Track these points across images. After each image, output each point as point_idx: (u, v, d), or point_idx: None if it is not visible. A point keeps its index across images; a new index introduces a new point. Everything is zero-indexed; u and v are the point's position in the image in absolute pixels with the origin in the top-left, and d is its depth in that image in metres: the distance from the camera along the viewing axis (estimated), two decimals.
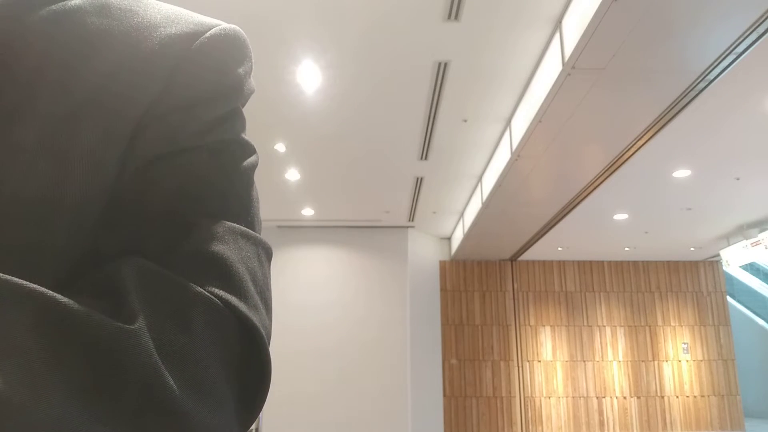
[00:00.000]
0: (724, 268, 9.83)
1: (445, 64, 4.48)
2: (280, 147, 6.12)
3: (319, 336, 8.74)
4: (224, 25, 0.45)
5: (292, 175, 6.94)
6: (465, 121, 5.50)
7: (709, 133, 5.08)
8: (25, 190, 0.37)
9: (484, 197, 6.77)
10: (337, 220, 8.87)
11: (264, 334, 0.38)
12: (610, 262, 10.22)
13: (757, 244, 7.87)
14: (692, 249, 9.47)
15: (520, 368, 9.69)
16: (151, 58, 0.41)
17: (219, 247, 0.39)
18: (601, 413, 9.62)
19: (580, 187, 6.20)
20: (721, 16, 3.24)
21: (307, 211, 8.46)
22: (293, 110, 5.25)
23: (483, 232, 8.07)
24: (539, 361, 9.77)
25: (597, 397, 9.67)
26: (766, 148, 5.40)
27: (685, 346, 9.95)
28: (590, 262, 10.20)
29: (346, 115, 5.37)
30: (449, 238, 9.99)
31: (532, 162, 5.44)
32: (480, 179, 7.04)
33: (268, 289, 0.42)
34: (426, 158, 6.40)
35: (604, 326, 9.98)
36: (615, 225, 8.02)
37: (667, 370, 9.85)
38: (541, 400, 9.61)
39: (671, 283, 10.19)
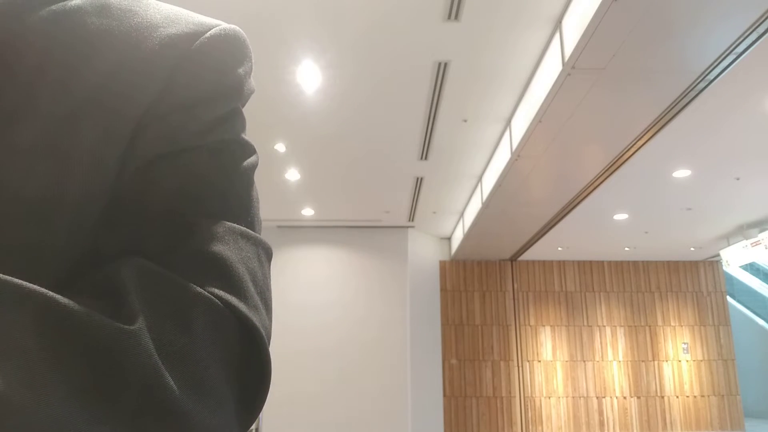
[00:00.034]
0: (724, 268, 9.83)
1: (445, 64, 4.48)
2: (280, 147, 6.12)
3: (319, 336, 8.74)
4: (224, 25, 0.45)
5: (292, 175, 6.94)
6: (465, 121, 5.50)
7: (709, 133, 5.08)
8: (25, 189, 0.37)
9: (484, 197, 6.77)
10: (337, 220, 8.87)
11: (264, 334, 0.38)
12: (610, 262, 10.22)
13: (757, 244, 7.87)
14: (692, 249, 9.47)
15: (520, 368, 9.70)
16: (151, 58, 0.41)
17: (219, 248, 0.39)
18: (601, 413, 9.62)
19: (580, 187, 6.20)
20: (721, 16, 3.24)
21: (307, 211, 8.46)
22: (293, 110, 5.25)
23: (483, 232, 8.07)
24: (539, 361, 9.77)
25: (597, 397, 9.67)
26: (766, 148, 5.40)
27: (685, 346, 9.95)
28: (590, 262, 10.20)
29: (346, 115, 5.37)
30: (449, 238, 9.99)
31: (532, 162, 5.44)
32: (480, 179, 7.04)
33: (268, 290, 0.42)
34: (426, 158, 6.40)
35: (604, 326, 9.98)
36: (615, 225, 8.02)
37: (667, 370, 9.85)
38: (541, 400, 9.61)
39: (671, 283, 10.19)
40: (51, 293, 0.29)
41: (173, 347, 0.32)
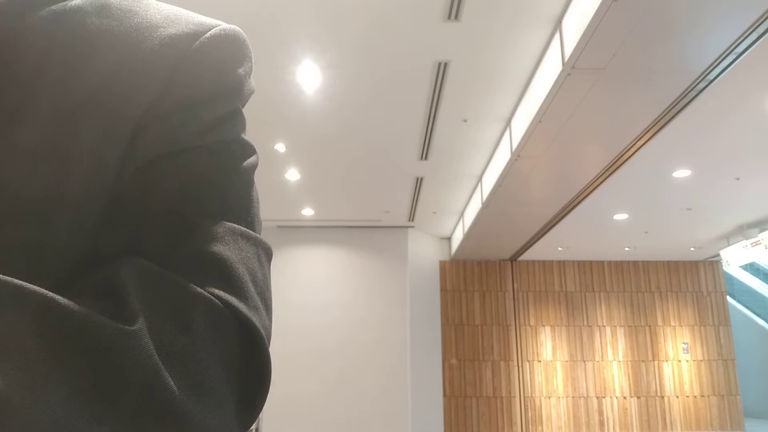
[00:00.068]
0: (724, 268, 9.83)
1: (445, 64, 4.48)
2: (280, 147, 6.12)
3: (319, 336, 8.74)
4: (224, 25, 0.45)
5: (292, 175, 6.94)
6: (465, 121, 5.50)
7: (709, 133, 5.08)
8: (25, 189, 0.37)
9: (484, 197, 6.77)
10: (337, 220, 8.87)
11: (264, 334, 0.38)
12: (610, 262, 10.22)
13: (757, 244, 7.87)
14: (692, 249, 9.47)
15: (520, 368, 9.70)
16: (152, 58, 0.41)
17: (219, 248, 0.39)
18: (601, 413, 9.62)
19: (580, 187, 6.20)
20: (721, 16, 3.24)
21: (307, 211, 8.46)
22: (293, 110, 5.25)
23: (483, 232, 8.07)
24: (539, 361, 9.77)
25: (597, 397, 9.67)
26: (766, 148, 5.40)
27: (685, 346, 9.95)
28: (590, 262, 10.20)
29: (346, 115, 5.37)
30: (449, 238, 10.00)
31: (532, 162, 5.44)
32: (480, 179, 7.04)
33: (268, 290, 0.42)
34: (426, 158, 6.40)
35: (604, 326, 9.98)
36: (615, 225, 8.02)
37: (667, 370, 9.85)
38: (541, 400, 9.61)
39: (671, 283, 10.19)
40: (51, 294, 0.29)
41: (173, 347, 0.32)
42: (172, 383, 0.31)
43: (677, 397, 9.75)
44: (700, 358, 9.91)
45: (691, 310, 10.11)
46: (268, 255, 0.44)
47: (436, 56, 4.39)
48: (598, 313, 10.03)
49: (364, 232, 9.17)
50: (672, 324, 10.04)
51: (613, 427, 9.57)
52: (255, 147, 0.47)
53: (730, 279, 11.87)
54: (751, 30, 3.36)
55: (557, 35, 3.92)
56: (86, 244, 0.38)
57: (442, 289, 9.92)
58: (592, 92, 4.07)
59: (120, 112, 0.40)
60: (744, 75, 3.96)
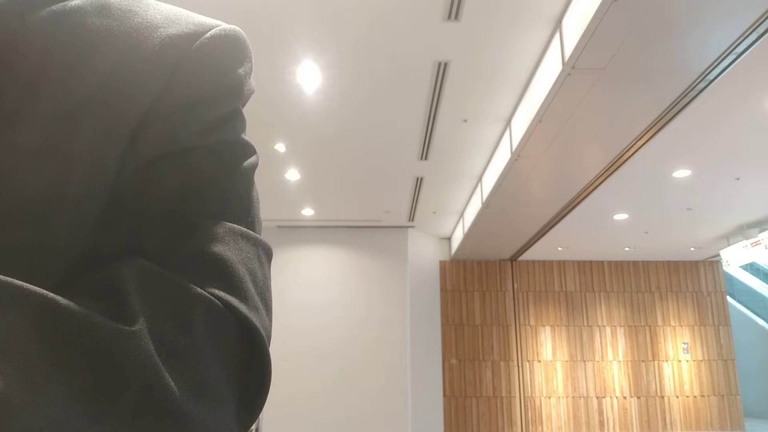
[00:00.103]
0: (724, 268, 9.83)
1: (445, 64, 4.48)
2: (280, 147, 6.12)
3: (319, 336, 8.74)
4: (224, 25, 0.45)
5: (292, 175, 6.94)
6: (465, 121, 5.50)
7: (709, 133, 5.08)
8: (26, 189, 0.37)
9: (484, 197, 6.77)
10: (337, 220, 8.87)
11: (264, 334, 0.38)
12: (610, 262, 10.22)
13: (757, 244, 7.87)
14: (692, 249, 9.47)
15: (520, 368, 9.70)
16: (152, 57, 0.41)
17: (219, 248, 0.39)
18: (601, 413, 9.62)
19: (580, 187, 6.20)
20: (721, 16, 3.24)
21: (307, 211, 8.46)
22: (293, 110, 5.25)
23: (483, 232, 8.07)
24: (539, 361, 9.77)
25: (597, 397, 9.67)
26: (766, 148, 5.40)
27: (685, 346, 9.95)
28: (590, 262, 10.20)
29: (346, 115, 5.37)
30: (449, 238, 10.00)
31: (532, 162, 5.44)
32: (480, 179, 7.04)
33: (269, 290, 0.42)
34: (426, 158, 6.40)
35: (604, 326, 9.98)
36: (615, 225, 8.02)
37: (667, 370, 9.85)
38: (541, 400, 9.61)
39: (671, 283, 10.19)
40: (51, 294, 0.29)
41: (173, 348, 0.32)
42: (172, 384, 0.31)
43: (677, 397, 9.75)
44: (700, 358, 9.91)
45: (691, 310, 10.11)
46: (269, 255, 0.44)
47: (436, 56, 4.39)
48: (598, 313, 10.03)
49: (364, 232, 9.17)
50: (672, 324, 10.04)
51: (613, 427, 9.57)
52: (255, 147, 0.47)
53: (730, 279, 11.87)
54: (751, 30, 3.36)
55: (557, 35, 3.92)
56: (86, 244, 0.38)
57: (442, 289, 9.92)
58: (592, 92, 4.07)
59: (120, 111, 0.40)
60: (744, 75, 3.96)
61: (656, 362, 9.86)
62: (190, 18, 0.45)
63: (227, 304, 0.36)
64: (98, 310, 0.31)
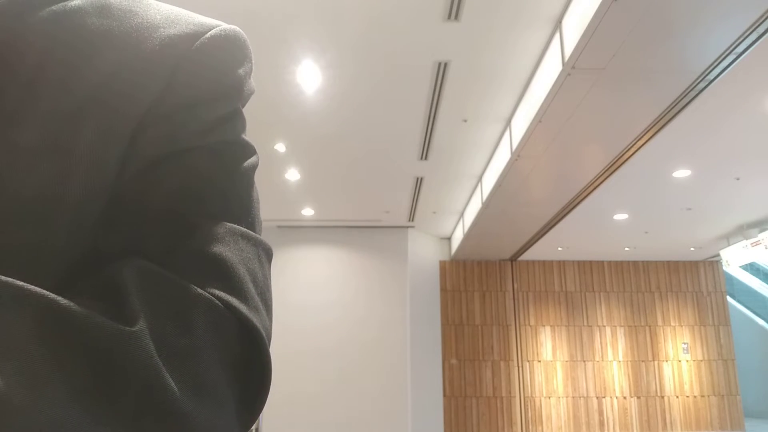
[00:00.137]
0: (724, 268, 9.83)
1: (445, 64, 4.48)
2: (280, 147, 6.12)
3: (319, 336, 8.74)
4: (224, 25, 0.45)
5: (292, 175, 6.94)
6: (465, 121, 5.50)
7: (709, 133, 5.08)
8: (26, 189, 0.37)
9: (484, 197, 6.77)
10: (337, 220, 8.87)
11: (264, 335, 0.38)
12: (610, 262, 10.22)
13: (757, 244, 7.87)
14: (692, 249, 9.47)
15: (520, 368, 9.70)
16: (152, 57, 0.41)
17: (220, 249, 0.39)
18: (601, 413, 9.62)
19: (580, 187, 6.20)
20: (721, 16, 3.24)
21: (307, 211, 8.46)
22: (293, 110, 5.25)
23: (483, 232, 8.07)
24: (539, 361, 9.77)
25: (597, 397, 9.67)
26: (766, 148, 5.40)
27: (685, 346, 9.95)
28: (590, 262, 10.20)
29: (346, 115, 5.37)
30: (449, 238, 10.00)
31: (532, 162, 5.44)
32: (480, 179, 7.04)
33: (269, 290, 0.42)
34: (426, 158, 6.40)
35: (604, 326, 9.98)
36: (615, 225, 8.02)
37: (667, 370, 9.85)
38: (541, 400, 9.61)
39: (671, 283, 10.19)
40: (52, 295, 0.29)
41: (174, 348, 0.32)
42: (172, 384, 0.31)
43: (677, 397, 9.75)
44: (700, 358, 9.91)
45: (691, 310, 10.11)
46: (269, 255, 0.44)
47: (436, 56, 4.39)
48: (598, 313, 10.03)
49: (364, 232, 9.17)
50: (672, 324, 10.04)
51: (613, 427, 9.57)
52: (255, 147, 0.47)
53: (730, 279, 11.87)
54: (751, 30, 3.36)
55: (557, 35, 3.92)
56: (86, 244, 0.38)
57: (442, 289, 9.92)
58: (592, 92, 4.07)
59: (120, 111, 0.40)
60: (744, 75, 3.96)
61: (656, 362, 9.86)
62: (190, 18, 0.45)
63: (228, 305, 0.36)
64: (99, 311, 0.31)
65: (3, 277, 0.29)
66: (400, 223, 9.00)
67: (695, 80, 3.92)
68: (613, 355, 9.85)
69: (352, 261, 9.15)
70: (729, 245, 8.70)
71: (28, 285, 0.29)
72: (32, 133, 0.38)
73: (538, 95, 4.42)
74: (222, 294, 0.37)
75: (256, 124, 5.27)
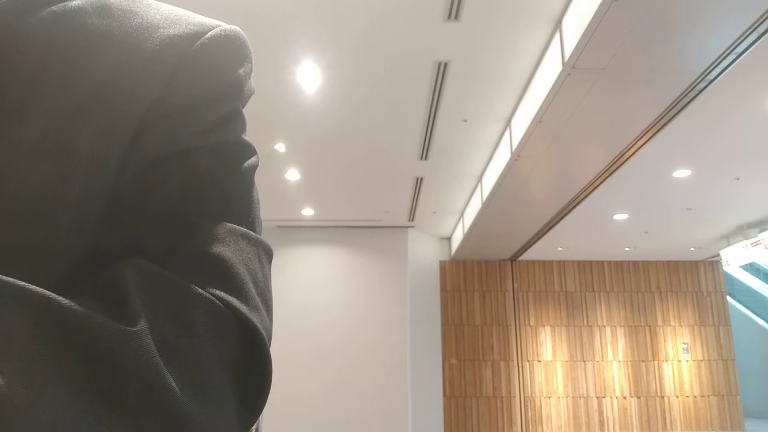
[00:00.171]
0: (724, 268, 9.83)
1: (445, 64, 4.48)
2: (280, 147, 6.12)
3: (319, 336, 8.74)
4: (225, 26, 0.45)
5: (292, 175, 6.94)
6: (465, 121, 5.50)
7: (709, 133, 5.08)
8: (27, 188, 0.37)
9: (484, 197, 6.77)
10: (337, 220, 8.87)
11: (265, 335, 0.38)
12: (610, 262, 10.22)
13: (757, 244, 7.87)
14: (692, 249, 9.47)
15: (520, 368, 9.70)
16: (152, 57, 0.41)
17: (220, 249, 0.39)
18: (601, 413, 9.62)
19: (580, 187, 6.20)
20: (721, 16, 3.24)
21: (307, 211, 8.46)
22: (293, 110, 5.25)
23: (483, 232, 8.07)
24: (539, 361, 9.77)
25: (597, 397, 9.67)
26: (766, 148, 5.40)
27: (685, 346, 9.95)
28: (590, 262, 10.20)
29: (346, 115, 5.37)
30: (449, 238, 10.00)
31: (532, 162, 5.44)
32: (480, 179, 7.04)
33: (269, 291, 0.42)
34: (426, 158, 6.40)
35: (604, 326, 9.98)
36: (615, 225, 8.02)
37: (667, 370, 9.85)
38: (541, 400, 9.61)
39: (671, 283, 10.19)
40: (53, 295, 0.29)
41: (175, 349, 0.32)
42: (173, 384, 0.31)
43: (677, 397, 9.75)
44: (700, 358, 9.91)
45: (691, 310, 10.11)
46: (269, 256, 0.44)
47: (436, 56, 4.39)
48: (598, 313, 10.03)
49: (364, 232, 9.17)
50: (672, 324, 10.04)
51: (613, 427, 9.57)
52: (255, 147, 0.47)
53: (730, 279, 11.87)
54: (751, 30, 3.36)
55: (557, 35, 3.92)
56: (86, 243, 0.38)
57: (442, 289, 9.92)
58: (592, 92, 4.07)
59: (121, 110, 0.40)
60: (744, 75, 3.96)
61: (656, 362, 9.86)
62: (191, 18, 0.45)
63: (228, 305, 0.36)
64: (99, 311, 0.31)
65: (4, 277, 0.29)
66: (400, 223, 9.00)
67: (695, 80, 3.92)
68: (613, 355, 9.85)
69: (352, 261, 9.15)
70: (729, 245, 8.70)
71: (29, 285, 0.29)
72: (33, 132, 0.38)
73: (538, 95, 4.42)
74: (222, 294, 0.37)
75: (256, 124, 5.27)
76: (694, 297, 10.17)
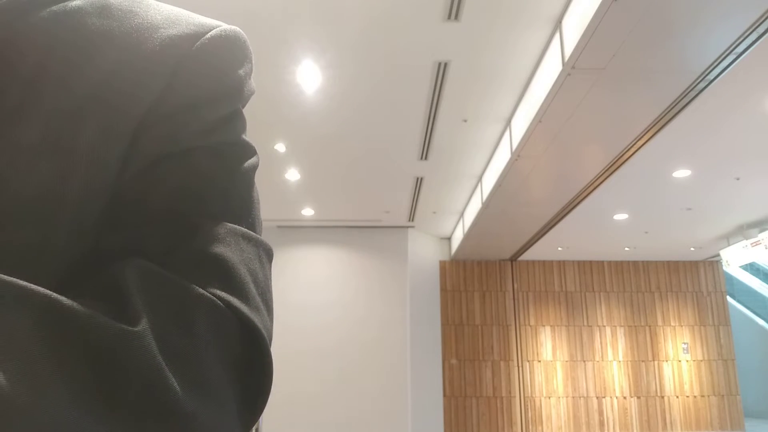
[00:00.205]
0: (724, 268, 9.83)
1: (445, 64, 4.48)
2: (280, 147, 6.12)
3: (319, 336, 8.74)
4: (225, 26, 0.45)
5: (292, 175, 6.94)
6: (465, 121, 5.50)
7: (709, 133, 5.08)
8: (27, 188, 0.37)
9: (484, 197, 6.77)
10: (337, 220, 8.87)
11: (265, 335, 0.39)
12: (610, 262, 10.22)
13: (757, 244, 7.87)
14: (692, 249, 9.47)
15: (520, 368, 9.70)
16: (153, 57, 0.41)
17: (221, 249, 0.39)
18: (601, 413, 9.62)
19: (580, 187, 6.20)
20: (721, 16, 3.24)
21: (307, 211, 8.46)
22: (293, 110, 5.25)
23: (483, 232, 8.07)
24: (539, 361, 9.77)
25: (597, 397, 9.67)
26: (766, 148, 5.40)
27: (685, 346, 9.95)
28: (590, 262, 10.20)
29: (346, 115, 5.37)
30: (449, 238, 10.00)
31: (532, 162, 5.44)
32: (480, 179, 7.04)
33: (269, 291, 0.42)
34: (426, 158, 6.40)
35: (604, 326, 9.98)
36: (615, 225, 8.02)
37: (667, 370, 9.85)
38: (541, 400, 9.61)
39: (671, 283, 10.19)
40: (54, 295, 0.30)
41: (176, 348, 0.32)
42: (175, 384, 0.31)
43: (677, 397, 9.75)
44: (700, 358, 9.91)
45: (691, 310, 10.11)
46: (269, 256, 0.44)
47: (436, 56, 4.39)
48: (598, 313, 10.03)
49: (364, 232, 9.17)
50: (672, 324, 10.04)
51: (613, 427, 9.57)
52: (255, 147, 0.47)
53: (730, 279, 11.87)
54: (751, 30, 3.36)
55: (557, 35, 3.92)
56: (86, 243, 0.38)
57: (442, 289, 9.92)
58: (592, 92, 4.07)
59: (121, 110, 0.40)
60: (744, 75, 3.96)
61: (656, 362, 9.86)
62: (191, 19, 0.45)
63: (229, 305, 0.36)
64: (101, 311, 0.31)
65: (5, 277, 0.29)
66: (400, 223, 9.00)
67: (695, 80, 3.92)
68: (613, 355, 9.85)
69: (352, 261, 9.15)
70: (729, 245, 8.70)
71: (31, 285, 0.29)
72: (33, 132, 0.38)
73: (538, 95, 4.42)
74: (223, 294, 0.37)
75: (256, 124, 5.27)
76: (694, 297, 10.17)
